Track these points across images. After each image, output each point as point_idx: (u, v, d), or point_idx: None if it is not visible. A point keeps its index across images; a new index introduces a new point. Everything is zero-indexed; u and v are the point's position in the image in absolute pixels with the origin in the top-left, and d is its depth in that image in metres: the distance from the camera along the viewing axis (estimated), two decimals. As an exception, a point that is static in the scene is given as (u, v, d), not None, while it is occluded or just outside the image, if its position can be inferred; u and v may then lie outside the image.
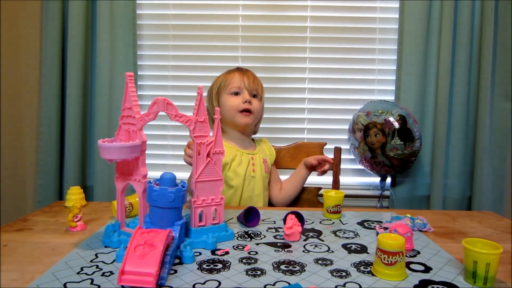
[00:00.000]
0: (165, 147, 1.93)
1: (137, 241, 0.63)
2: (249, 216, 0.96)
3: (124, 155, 0.74)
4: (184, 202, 0.77)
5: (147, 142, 0.78)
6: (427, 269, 0.71)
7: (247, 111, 1.27)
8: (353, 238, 0.87)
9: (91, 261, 0.71)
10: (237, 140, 1.32)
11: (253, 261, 0.72)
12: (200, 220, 0.82)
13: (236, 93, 1.28)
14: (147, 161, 0.79)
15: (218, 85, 1.31)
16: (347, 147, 1.79)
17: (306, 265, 0.71)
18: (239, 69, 1.33)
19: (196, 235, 0.80)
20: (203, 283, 0.63)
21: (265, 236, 0.87)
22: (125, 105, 0.78)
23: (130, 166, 0.79)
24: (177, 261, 0.71)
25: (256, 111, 1.29)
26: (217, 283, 0.63)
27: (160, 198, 0.73)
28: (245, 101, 1.26)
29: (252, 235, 0.87)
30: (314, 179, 1.90)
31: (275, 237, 0.87)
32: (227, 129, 1.32)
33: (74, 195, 0.91)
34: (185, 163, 1.10)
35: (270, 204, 1.40)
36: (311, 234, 0.89)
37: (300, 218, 0.90)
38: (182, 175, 1.85)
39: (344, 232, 0.92)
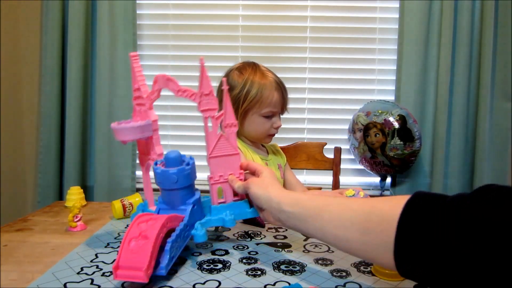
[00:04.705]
0: (165, 137, 1.93)
1: (132, 234, 0.62)
2: None
3: (134, 135, 0.72)
4: (193, 179, 0.73)
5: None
6: (427, 269, 0.70)
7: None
8: (353, 238, 0.87)
9: (91, 261, 0.71)
10: (249, 144, 1.26)
11: (253, 261, 0.72)
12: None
13: (269, 116, 1.19)
14: None
15: (250, 99, 1.15)
16: (347, 147, 1.79)
17: (306, 265, 0.71)
18: (278, 86, 1.21)
19: (216, 213, 0.76)
20: (203, 283, 0.63)
21: (265, 236, 0.87)
22: (134, 86, 0.78)
23: (148, 146, 0.78)
24: (177, 261, 0.71)
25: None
26: (217, 283, 0.63)
27: (163, 180, 0.70)
28: (277, 127, 1.21)
29: (252, 235, 0.87)
30: (314, 179, 1.92)
31: (275, 237, 0.87)
32: (240, 135, 1.25)
33: (74, 195, 0.91)
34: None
35: None
36: (311, 234, 0.89)
37: None
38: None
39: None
